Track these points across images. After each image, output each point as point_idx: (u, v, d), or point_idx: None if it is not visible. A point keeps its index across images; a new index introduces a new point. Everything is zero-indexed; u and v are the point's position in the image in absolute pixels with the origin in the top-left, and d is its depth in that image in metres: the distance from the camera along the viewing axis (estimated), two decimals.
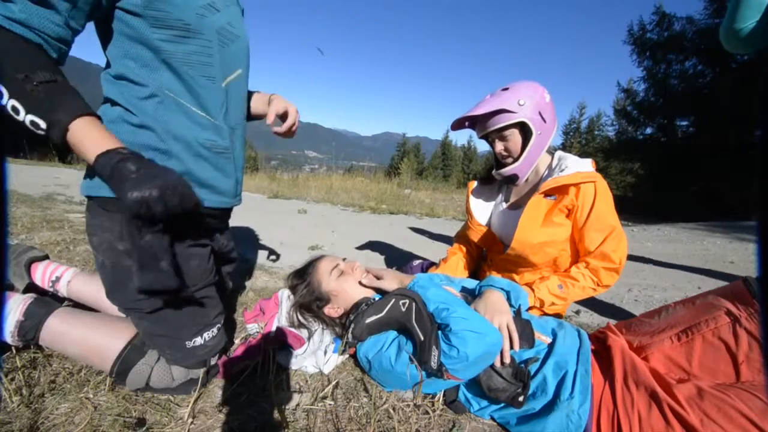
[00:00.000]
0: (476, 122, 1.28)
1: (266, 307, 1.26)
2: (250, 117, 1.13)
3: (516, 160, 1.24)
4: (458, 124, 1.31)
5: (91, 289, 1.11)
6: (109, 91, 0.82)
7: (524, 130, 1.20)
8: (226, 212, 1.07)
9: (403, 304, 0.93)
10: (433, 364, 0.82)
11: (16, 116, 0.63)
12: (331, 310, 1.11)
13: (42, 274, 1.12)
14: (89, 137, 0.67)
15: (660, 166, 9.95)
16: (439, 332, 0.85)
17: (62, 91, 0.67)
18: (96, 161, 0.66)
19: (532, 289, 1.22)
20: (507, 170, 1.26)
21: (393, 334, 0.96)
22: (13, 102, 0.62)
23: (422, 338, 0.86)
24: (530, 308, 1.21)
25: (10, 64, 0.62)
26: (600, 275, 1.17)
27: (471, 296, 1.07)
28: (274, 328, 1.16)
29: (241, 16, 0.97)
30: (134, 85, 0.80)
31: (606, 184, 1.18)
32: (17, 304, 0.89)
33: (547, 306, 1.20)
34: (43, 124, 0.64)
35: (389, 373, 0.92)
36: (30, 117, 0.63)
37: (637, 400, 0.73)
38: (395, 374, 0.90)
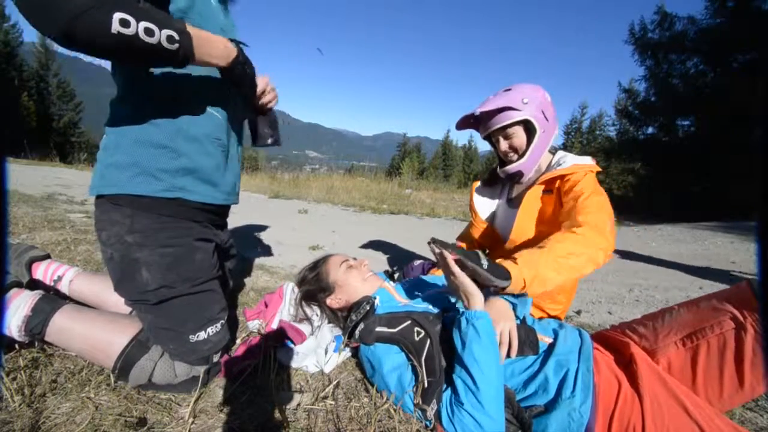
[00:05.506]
0: (480, 122, 1.29)
1: (270, 301, 1.27)
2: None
3: (521, 157, 1.24)
4: (463, 124, 1.31)
5: (93, 288, 1.12)
6: (125, 89, 0.86)
7: (528, 128, 1.21)
8: (226, 209, 1.10)
9: (418, 332, 0.93)
10: (429, 414, 0.81)
11: (150, 38, 0.63)
12: (333, 301, 1.14)
13: (43, 273, 1.12)
14: (207, 38, 0.74)
15: (661, 166, 9.92)
16: (448, 392, 0.82)
17: (152, 6, 0.67)
18: (231, 64, 0.80)
19: (514, 259, 0.93)
20: (512, 167, 1.26)
21: (399, 361, 0.93)
22: (145, 24, 0.62)
23: (425, 383, 0.85)
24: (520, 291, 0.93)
25: None
26: (585, 231, 0.97)
27: None
28: (275, 325, 1.16)
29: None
30: (153, 84, 0.84)
31: (595, 177, 1.16)
32: (25, 300, 0.90)
33: (538, 261, 0.93)
34: (176, 35, 0.66)
35: (386, 389, 0.92)
36: (166, 32, 0.64)
37: (668, 421, 0.73)
38: (391, 391, 0.91)
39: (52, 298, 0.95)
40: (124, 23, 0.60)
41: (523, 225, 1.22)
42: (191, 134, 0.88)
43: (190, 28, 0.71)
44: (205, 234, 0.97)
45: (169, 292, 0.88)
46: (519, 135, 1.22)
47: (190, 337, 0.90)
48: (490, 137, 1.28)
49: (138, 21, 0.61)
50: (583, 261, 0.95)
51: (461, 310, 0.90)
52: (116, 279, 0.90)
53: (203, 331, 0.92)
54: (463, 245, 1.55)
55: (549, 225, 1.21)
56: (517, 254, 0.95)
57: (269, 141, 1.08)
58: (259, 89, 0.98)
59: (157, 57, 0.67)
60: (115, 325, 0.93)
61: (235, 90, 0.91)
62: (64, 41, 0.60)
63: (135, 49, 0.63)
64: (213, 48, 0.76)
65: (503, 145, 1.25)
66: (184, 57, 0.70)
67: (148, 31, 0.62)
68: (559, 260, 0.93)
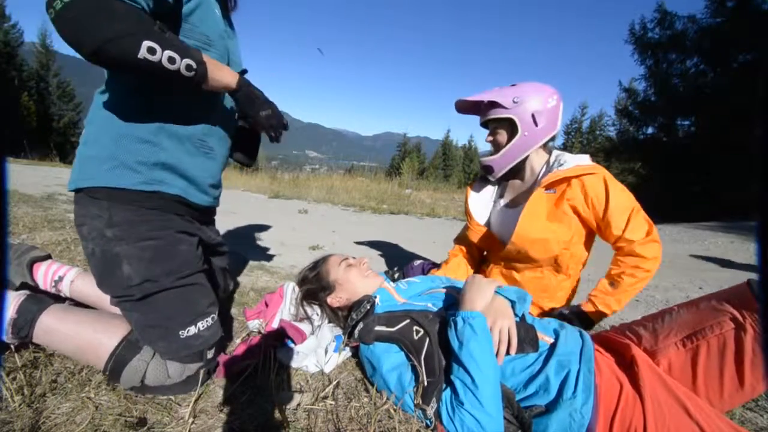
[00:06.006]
0: (480, 109, 1.34)
1: (270, 301, 1.28)
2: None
3: (496, 153, 1.29)
4: (459, 106, 1.37)
5: (94, 288, 1.11)
6: (111, 79, 0.85)
7: (513, 127, 1.23)
8: (210, 209, 1.10)
9: (417, 331, 0.93)
10: (429, 414, 0.82)
11: (171, 65, 0.70)
12: (334, 300, 1.15)
13: (44, 273, 1.12)
14: (218, 65, 0.82)
15: (661, 165, 9.92)
16: (447, 392, 0.82)
17: (175, 35, 0.74)
18: (237, 86, 0.85)
19: (594, 303, 1.18)
20: (484, 160, 1.33)
21: (398, 360, 0.93)
22: (169, 53, 0.69)
23: (425, 382, 0.85)
24: (595, 313, 1.20)
25: (143, 23, 0.67)
26: (639, 252, 1.13)
27: None
28: (275, 324, 1.16)
29: (238, 46, 1.05)
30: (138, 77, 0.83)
31: (613, 179, 1.18)
32: (10, 302, 0.88)
33: (613, 307, 1.18)
34: (194, 64, 0.74)
35: (386, 389, 0.93)
36: (186, 61, 0.72)
37: (669, 422, 0.73)
38: (391, 390, 0.91)
39: (39, 298, 0.92)
40: (151, 51, 0.67)
41: (527, 227, 1.22)
42: (174, 132, 0.87)
43: (206, 58, 0.78)
44: (187, 227, 0.95)
45: (153, 287, 0.86)
46: (502, 132, 1.27)
47: (180, 332, 0.88)
48: (486, 126, 1.34)
49: (164, 50, 0.68)
50: (643, 274, 1.15)
51: (457, 311, 0.90)
52: (98, 275, 0.88)
53: (193, 326, 0.90)
54: (463, 248, 1.56)
55: (553, 224, 1.21)
56: (594, 296, 1.19)
57: (244, 160, 1.15)
58: (277, 126, 0.99)
59: (174, 80, 0.74)
60: (105, 325, 0.91)
61: (240, 108, 0.93)
62: (92, 59, 0.67)
63: (156, 73, 0.70)
64: (222, 76, 0.83)
65: (488, 136, 1.32)
66: (197, 83, 0.78)
67: (171, 60, 0.70)
68: (629, 290, 1.16)
